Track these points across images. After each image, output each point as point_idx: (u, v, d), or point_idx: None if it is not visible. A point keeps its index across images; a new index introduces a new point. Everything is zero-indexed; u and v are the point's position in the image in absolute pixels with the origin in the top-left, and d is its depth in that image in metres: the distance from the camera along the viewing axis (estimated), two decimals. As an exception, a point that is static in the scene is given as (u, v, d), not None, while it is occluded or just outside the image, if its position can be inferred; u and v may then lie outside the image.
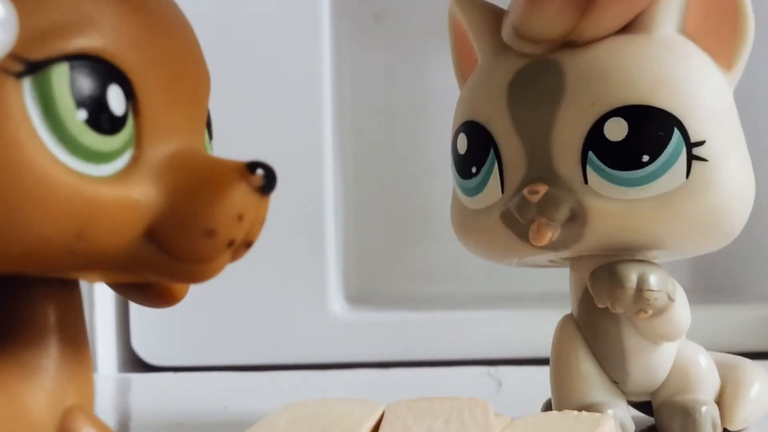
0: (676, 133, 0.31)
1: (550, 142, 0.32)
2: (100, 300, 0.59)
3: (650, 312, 0.32)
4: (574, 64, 0.32)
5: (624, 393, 0.35)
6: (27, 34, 0.18)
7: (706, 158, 0.31)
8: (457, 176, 0.36)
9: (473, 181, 0.35)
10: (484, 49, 0.36)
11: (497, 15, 0.36)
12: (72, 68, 0.18)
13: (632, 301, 0.32)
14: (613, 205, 0.32)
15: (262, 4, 0.59)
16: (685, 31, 0.33)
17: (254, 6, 0.59)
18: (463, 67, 0.39)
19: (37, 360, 0.21)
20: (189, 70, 0.21)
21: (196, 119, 0.21)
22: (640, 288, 0.31)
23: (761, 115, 0.61)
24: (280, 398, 0.33)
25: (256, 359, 0.59)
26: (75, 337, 0.22)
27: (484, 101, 0.34)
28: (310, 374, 0.56)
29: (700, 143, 0.31)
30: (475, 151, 0.35)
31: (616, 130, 0.31)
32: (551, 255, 0.34)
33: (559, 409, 0.34)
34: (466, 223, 0.36)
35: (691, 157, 0.31)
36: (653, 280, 0.32)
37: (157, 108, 0.20)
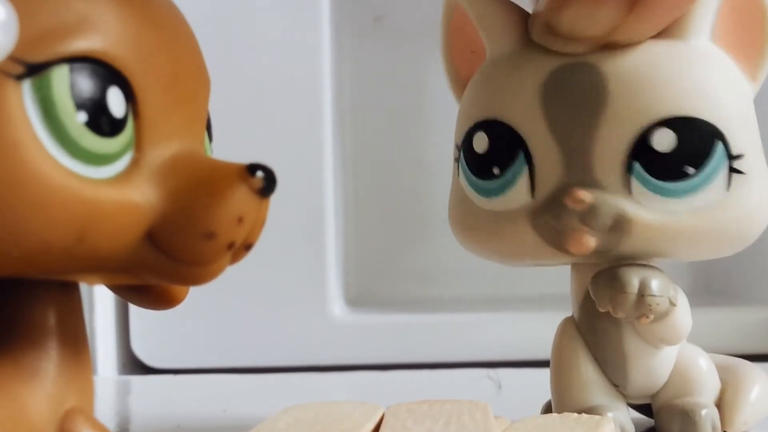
0: (720, 145, 0.31)
1: (591, 148, 0.32)
2: (99, 302, 0.59)
3: (652, 317, 0.32)
4: (616, 68, 0.32)
5: (624, 396, 0.35)
6: (27, 37, 0.18)
7: (744, 171, 0.32)
8: (471, 175, 0.35)
9: (495, 183, 0.34)
10: (501, 44, 0.35)
11: (514, 7, 0.35)
12: (72, 70, 0.18)
13: (634, 306, 0.32)
14: (656, 216, 0.31)
15: (262, 7, 0.59)
16: (715, 39, 0.33)
17: (254, 8, 0.59)
18: (456, 60, 0.38)
19: (37, 362, 0.21)
20: (189, 72, 0.21)
21: (196, 121, 0.21)
22: (642, 293, 0.31)
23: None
24: (280, 401, 0.33)
25: (256, 362, 0.59)
26: (75, 339, 0.22)
27: (511, 101, 0.33)
28: (310, 377, 0.56)
29: (740, 156, 0.32)
30: (500, 151, 0.34)
31: (664, 140, 0.31)
32: (578, 260, 0.34)
33: (559, 411, 0.34)
34: (477, 223, 0.35)
35: (731, 170, 0.31)
36: (655, 285, 0.32)
37: (157, 110, 0.20)
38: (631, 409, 0.36)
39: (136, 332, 0.59)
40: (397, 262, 0.70)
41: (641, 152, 0.31)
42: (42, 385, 0.20)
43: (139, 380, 0.57)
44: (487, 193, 0.34)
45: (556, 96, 0.33)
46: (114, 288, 0.24)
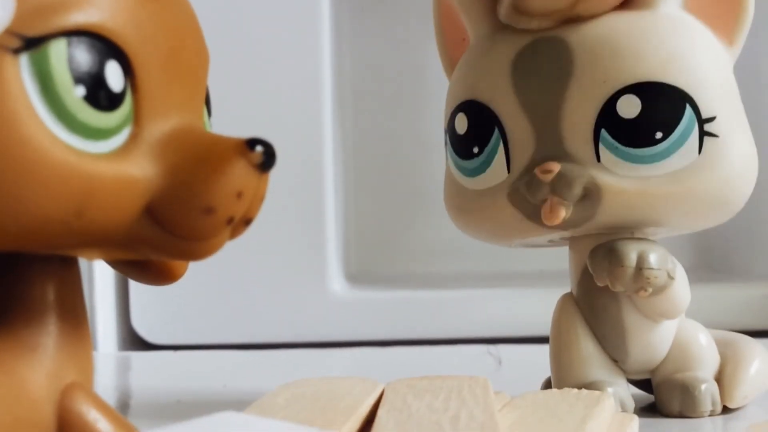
0: (688, 109, 0.31)
1: (560, 120, 0.32)
2: (99, 278, 0.59)
3: (650, 290, 0.32)
4: (582, 40, 0.32)
5: (624, 371, 0.35)
6: (24, 10, 0.18)
7: (717, 134, 0.31)
8: (455, 157, 0.35)
9: (475, 162, 0.34)
10: (478, 27, 0.36)
11: None
12: (70, 44, 0.18)
13: (632, 279, 0.32)
14: (627, 182, 0.32)
15: (261, -18, 0.59)
16: (686, 6, 0.33)
17: (253, -17, 0.59)
18: (449, 47, 0.38)
19: (37, 338, 0.20)
20: (188, 46, 0.21)
21: (195, 96, 0.21)
22: (640, 267, 0.31)
23: (763, 95, 0.61)
24: (280, 377, 0.33)
25: (256, 338, 0.59)
26: (74, 315, 0.22)
27: (485, 80, 0.34)
28: (310, 353, 0.56)
29: (711, 119, 0.31)
30: (477, 130, 0.34)
31: (629, 107, 0.31)
32: (557, 234, 0.34)
33: (559, 387, 0.34)
34: (464, 203, 0.35)
35: (702, 133, 0.31)
36: (653, 258, 0.32)
37: (156, 84, 0.20)
38: (631, 385, 0.36)
39: (136, 308, 0.59)
40: (396, 239, 0.70)
41: (608, 120, 0.32)
42: (41, 360, 0.20)
43: (139, 356, 0.58)
44: (470, 172, 0.35)
45: (525, 71, 0.33)
46: (113, 263, 0.24)
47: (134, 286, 0.59)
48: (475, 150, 0.34)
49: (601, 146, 0.32)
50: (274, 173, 0.21)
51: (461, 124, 0.35)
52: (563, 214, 0.32)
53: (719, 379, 0.35)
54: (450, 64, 0.38)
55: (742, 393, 0.34)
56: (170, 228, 0.20)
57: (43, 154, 0.18)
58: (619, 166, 0.32)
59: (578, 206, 0.32)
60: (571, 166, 0.32)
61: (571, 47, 0.32)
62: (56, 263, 0.21)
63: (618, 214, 0.32)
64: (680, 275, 0.33)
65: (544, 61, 0.33)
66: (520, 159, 0.33)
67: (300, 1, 0.59)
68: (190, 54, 0.21)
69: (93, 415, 0.21)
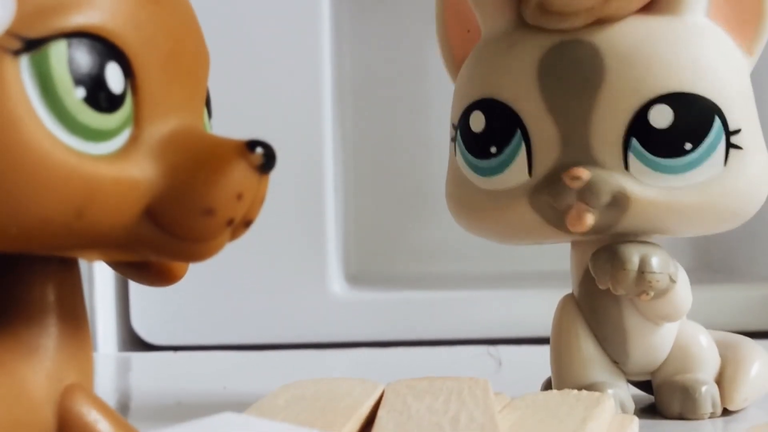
0: (717, 121, 0.31)
1: (588, 126, 0.32)
2: (99, 279, 0.59)
3: (652, 294, 0.32)
4: (612, 45, 0.32)
5: (624, 373, 0.35)
6: (25, 12, 0.18)
7: (741, 146, 0.32)
8: (468, 155, 0.35)
9: (492, 161, 0.34)
10: (494, 22, 0.35)
11: None
12: (70, 46, 0.18)
13: (634, 282, 0.32)
14: (654, 192, 0.32)
15: (261, -18, 0.59)
16: (710, 14, 0.33)
17: (254, -16, 0.59)
18: (451, 38, 0.38)
19: (37, 339, 0.20)
20: (188, 47, 0.21)
21: (195, 97, 0.21)
22: (642, 270, 0.31)
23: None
24: (280, 377, 0.33)
25: (256, 339, 0.59)
26: (74, 316, 0.22)
27: (506, 79, 0.34)
28: (310, 353, 0.56)
29: (737, 131, 0.32)
30: (497, 130, 0.34)
31: (662, 117, 0.31)
32: (577, 239, 0.34)
33: (559, 388, 0.34)
34: (475, 202, 0.35)
35: (729, 146, 0.32)
36: (655, 261, 0.32)
37: (156, 86, 0.20)
38: (631, 386, 0.36)
39: (136, 309, 0.59)
40: (396, 240, 0.70)
41: (639, 129, 0.31)
42: (41, 361, 0.20)
43: (139, 357, 0.58)
44: (484, 172, 0.34)
45: (553, 74, 0.32)
46: (113, 264, 0.24)
47: (134, 287, 0.59)
48: (493, 150, 0.34)
49: (630, 155, 0.32)
50: (274, 175, 0.21)
51: (477, 122, 0.34)
52: (590, 221, 0.32)
53: (719, 381, 0.35)
54: (450, 56, 0.38)
55: (743, 395, 0.34)
56: (170, 229, 0.20)
57: (44, 156, 0.18)
58: (646, 175, 0.32)
59: (604, 213, 0.32)
60: (600, 173, 0.32)
61: (602, 53, 0.32)
62: (56, 264, 0.21)
63: (641, 223, 0.32)
64: (682, 278, 0.33)
65: (574, 64, 0.32)
66: (544, 162, 0.33)
67: (300, 3, 0.59)
68: (190, 55, 0.21)
69: (93, 416, 0.21)
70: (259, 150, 0.20)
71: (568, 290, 0.36)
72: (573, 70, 0.32)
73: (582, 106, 0.32)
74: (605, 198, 0.32)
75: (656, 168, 0.32)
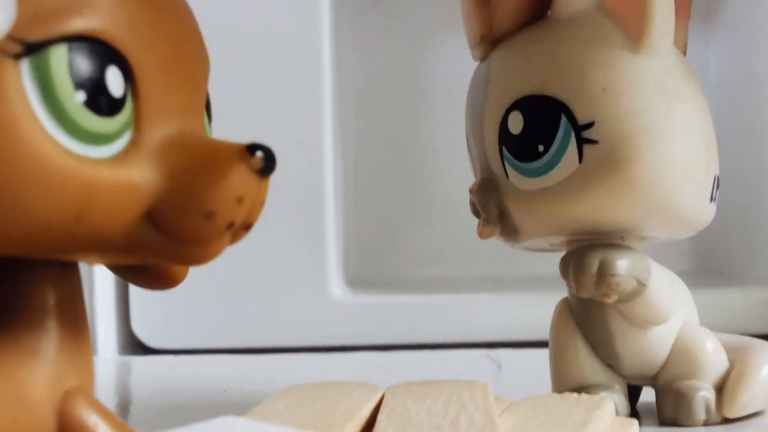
0: (563, 118, 0.31)
1: (484, 140, 0.34)
2: (99, 282, 0.59)
3: (614, 297, 0.32)
4: (496, 61, 0.34)
5: (622, 376, 0.35)
6: (25, 16, 0.18)
7: (597, 140, 0.31)
8: None
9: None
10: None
11: None
12: (70, 50, 0.18)
13: (594, 285, 0.32)
14: (526, 196, 0.32)
15: (261, -13, 0.59)
16: (603, 6, 0.32)
17: (254, -12, 0.59)
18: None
19: (37, 342, 0.21)
20: (188, 51, 0.21)
21: (195, 101, 0.21)
22: (602, 273, 0.31)
23: (760, 102, 0.61)
24: (281, 381, 0.33)
25: (257, 342, 0.59)
26: (75, 319, 0.22)
27: (466, 104, 0.36)
28: (310, 357, 0.56)
29: (589, 125, 0.31)
30: (468, 151, 0.37)
31: (515, 123, 0.32)
32: (511, 245, 0.35)
33: (557, 390, 0.34)
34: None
35: (581, 141, 0.31)
36: (618, 264, 0.31)
37: (156, 90, 0.20)
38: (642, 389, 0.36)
39: (137, 312, 0.59)
40: (397, 243, 0.70)
41: (504, 137, 0.33)
42: (42, 365, 0.20)
43: (139, 360, 0.57)
44: None
45: (470, 96, 0.35)
46: (114, 268, 0.24)
47: (134, 290, 0.59)
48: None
49: (505, 163, 0.33)
50: (275, 178, 0.21)
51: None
52: (488, 231, 0.33)
53: (722, 387, 0.34)
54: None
55: (741, 403, 0.33)
56: (170, 233, 0.20)
57: (44, 160, 0.18)
58: (520, 181, 0.32)
59: (502, 222, 0.33)
60: (486, 185, 0.33)
61: (490, 68, 0.34)
62: (56, 268, 0.21)
63: (533, 226, 0.33)
64: (658, 282, 0.32)
65: (477, 84, 0.34)
66: (476, 177, 0.35)
67: (300, 5, 0.59)
68: (190, 59, 0.21)
69: (93, 420, 0.21)
70: (259, 154, 0.20)
71: (566, 294, 0.36)
72: (475, 91, 0.34)
73: (479, 123, 0.34)
74: (492, 209, 0.33)
75: (523, 173, 0.32)
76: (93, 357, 0.22)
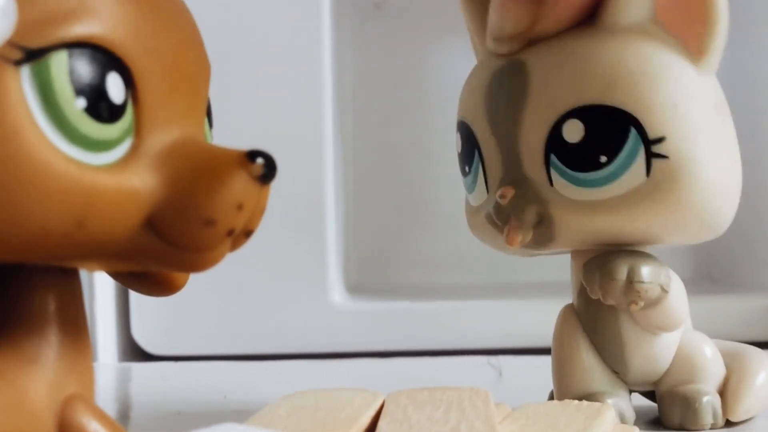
0: (633, 131, 0.31)
1: (518, 144, 0.33)
2: (100, 289, 0.59)
3: (641, 304, 0.32)
4: (537, 63, 0.32)
5: (626, 383, 0.35)
6: (26, 22, 0.18)
7: (666, 155, 0.31)
8: (461, 172, 0.36)
9: (468, 180, 0.35)
10: (480, 51, 0.37)
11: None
12: (71, 56, 0.18)
13: (623, 293, 0.32)
14: (577, 206, 0.32)
15: (262, -7, 0.59)
16: (656, 19, 0.32)
17: (255, -5, 0.59)
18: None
19: (37, 349, 0.21)
20: (189, 58, 0.21)
21: (196, 107, 0.21)
22: (631, 280, 0.31)
23: (761, 107, 0.61)
24: (281, 388, 0.33)
25: (257, 349, 0.59)
26: (75, 325, 0.22)
27: (469, 101, 0.35)
28: (311, 364, 0.56)
29: (659, 140, 0.31)
30: (466, 150, 0.35)
31: (573, 131, 0.31)
32: (533, 253, 0.34)
33: (560, 398, 0.34)
34: (470, 218, 0.36)
35: (650, 155, 0.31)
36: (645, 271, 0.32)
37: (157, 96, 0.20)
38: (641, 396, 0.36)
39: (137, 319, 0.59)
40: (397, 250, 0.70)
41: (555, 145, 0.32)
42: (42, 371, 0.20)
43: (139, 367, 0.57)
44: (467, 189, 0.36)
45: (493, 95, 0.33)
46: (114, 274, 0.24)
47: (135, 296, 0.59)
48: (467, 169, 0.35)
49: (552, 170, 0.32)
50: (275, 185, 0.21)
51: (458, 143, 0.36)
52: (519, 238, 0.32)
53: (723, 391, 0.34)
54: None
55: (745, 407, 0.34)
56: (171, 239, 0.20)
57: (44, 166, 0.18)
58: (569, 190, 0.32)
59: (537, 230, 0.32)
60: (524, 191, 0.32)
61: (528, 69, 0.32)
62: (57, 274, 0.21)
63: (574, 237, 0.32)
64: (676, 288, 0.33)
65: (508, 84, 0.33)
66: (493, 181, 0.34)
67: (301, 12, 0.59)
68: (191, 65, 0.21)
69: (93, 427, 0.21)
70: (259, 160, 0.20)
71: (569, 300, 0.36)
72: (507, 90, 0.33)
73: (512, 125, 0.33)
74: (530, 215, 0.32)
75: (576, 182, 0.32)
76: (93, 363, 0.22)
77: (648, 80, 0.31)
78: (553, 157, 0.32)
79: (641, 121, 0.31)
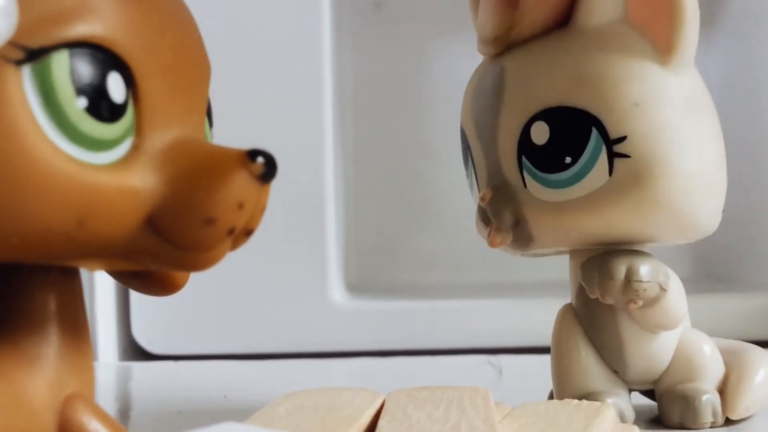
0: (594, 132, 0.31)
1: (497, 147, 0.33)
2: (100, 288, 0.59)
3: (640, 303, 0.32)
4: (513, 66, 0.33)
5: (626, 382, 0.35)
6: (27, 22, 0.18)
7: (629, 154, 0.31)
8: None
9: (469, 181, 0.36)
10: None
11: None
12: (72, 56, 0.18)
13: (621, 292, 0.32)
14: (546, 207, 0.32)
15: (262, -7, 0.59)
16: (627, 19, 0.32)
17: (255, -6, 0.59)
18: None
19: (38, 348, 0.21)
20: (189, 57, 0.21)
21: (196, 107, 0.21)
22: (629, 279, 0.32)
23: (761, 107, 0.61)
24: (281, 387, 0.33)
25: (257, 348, 0.59)
26: (75, 325, 0.22)
27: (464, 105, 0.36)
28: (311, 363, 0.56)
29: (621, 139, 0.31)
30: (463, 153, 0.36)
31: (540, 134, 0.32)
32: (519, 253, 0.35)
33: (560, 397, 0.34)
34: (476, 217, 0.36)
35: (612, 155, 0.31)
36: (643, 271, 0.32)
37: (158, 96, 0.20)
38: (641, 395, 0.36)
39: (137, 318, 0.59)
40: (397, 249, 0.70)
41: (525, 147, 0.32)
42: (42, 370, 0.20)
43: (139, 366, 0.57)
44: (470, 190, 0.37)
45: (478, 99, 0.34)
46: (114, 274, 0.24)
47: (135, 296, 0.59)
48: (466, 171, 0.36)
49: (524, 172, 0.32)
50: (275, 184, 0.21)
51: (460, 145, 0.36)
52: (500, 239, 0.33)
53: (723, 389, 0.34)
54: None
55: (744, 405, 0.34)
56: (171, 239, 0.20)
57: (45, 165, 0.18)
58: (541, 192, 0.32)
59: (516, 231, 0.33)
60: (502, 193, 0.33)
61: (505, 74, 0.33)
62: (57, 273, 0.21)
63: (552, 237, 0.33)
64: (674, 287, 0.33)
65: (488, 87, 0.34)
66: (481, 183, 0.35)
67: (301, 11, 0.59)
68: (191, 65, 0.21)
69: (94, 426, 0.21)
70: (260, 159, 0.20)
71: (568, 299, 0.36)
72: (486, 94, 0.34)
73: (491, 128, 0.33)
74: (506, 217, 0.33)
75: (545, 184, 0.32)
76: (93, 362, 0.22)
77: (609, 80, 0.31)
78: (524, 159, 0.32)
79: (602, 121, 0.31)
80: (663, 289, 0.32)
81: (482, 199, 0.33)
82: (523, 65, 0.33)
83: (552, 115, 0.31)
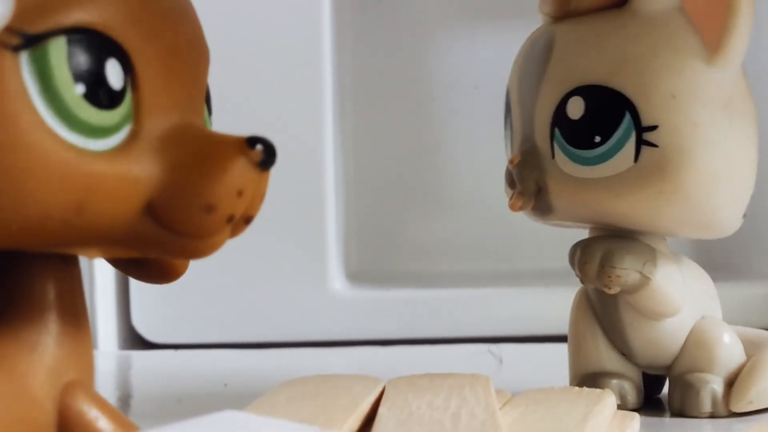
0: (627, 116, 0.31)
1: (534, 114, 0.33)
2: (100, 276, 0.59)
3: (616, 288, 0.32)
4: (563, 36, 0.33)
5: (637, 365, 0.35)
6: (25, 8, 0.18)
7: (657, 144, 0.31)
8: None
9: (505, 142, 0.36)
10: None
11: None
12: (70, 42, 0.18)
13: (596, 275, 0.32)
14: (570, 181, 0.32)
15: (262, -19, 0.59)
16: (682, 8, 0.32)
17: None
18: None
19: (37, 336, 0.21)
20: (188, 44, 0.21)
21: (195, 94, 0.21)
22: (602, 264, 0.32)
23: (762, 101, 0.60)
24: (281, 375, 0.33)
25: (257, 336, 0.59)
26: (75, 313, 0.22)
27: (513, 67, 0.36)
28: (311, 351, 0.56)
29: (652, 128, 0.31)
30: (505, 114, 0.36)
31: (575, 108, 0.32)
32: (540, 221, 0.35)
33: (572, 376, 0.35)
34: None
35: (640, 142, 0.31)
36: (617, 258, 0.32)
37: (156, 82, 0.20)
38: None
39: (137, 307, 0.59)
40: (397, 237, 0.70)
41: (559, 119, 0.32)
42: (41, 358, 0.20)
43: (139, 355, 0.57)
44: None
45: (526, 63, 0.34)
46: (114, 261, 0.24)
47: (135, 284, 0.59)
48: (503, 132, 0.36)
49: (554, 143, 0.33)
50: (275, 171, 0.21)
51: (504, 106, 0.37)
52: (520, 204, 0.33)
53: (734, 381, 0.34)
54: None
55: (748, 398, 0.33)
56: (170, 226, 0.20)
57: (44, 152, 0.18)
58: (567, 165, 0.32)
59: (538, 199, 0.33)
60: (530, 159, 0.33)
61: (553, 43, 0.33)
62: (57, 261, 0.21)
63: (570, 211, 0.33)
64: (664, 277, 0.33)
65: (537, 53, 0.34)
66: (515, 146, 0.35)
67: (301, 3, 0.59)
68: (190, 52, 0.21)
69: (93, 414, 0.21)
70: (259, 146, 0.20)
71: (570, 288, 0.36)
72: (533, 60, 0.34)
73: (532, 95, 0.33)
74: (529, 184, 0.33)
75: (573, 158, 0.32)
76: (93, 351, 0.22)
77: (651, 68, 0.31)
78: (556, 131, 0.32)
79: (637, 107, 0.31)
80: (645, 277, 0.32)
81: (511, 162, 0.34)
82: (573, 38, 0.33)
83: (590, 92, 0.32)
